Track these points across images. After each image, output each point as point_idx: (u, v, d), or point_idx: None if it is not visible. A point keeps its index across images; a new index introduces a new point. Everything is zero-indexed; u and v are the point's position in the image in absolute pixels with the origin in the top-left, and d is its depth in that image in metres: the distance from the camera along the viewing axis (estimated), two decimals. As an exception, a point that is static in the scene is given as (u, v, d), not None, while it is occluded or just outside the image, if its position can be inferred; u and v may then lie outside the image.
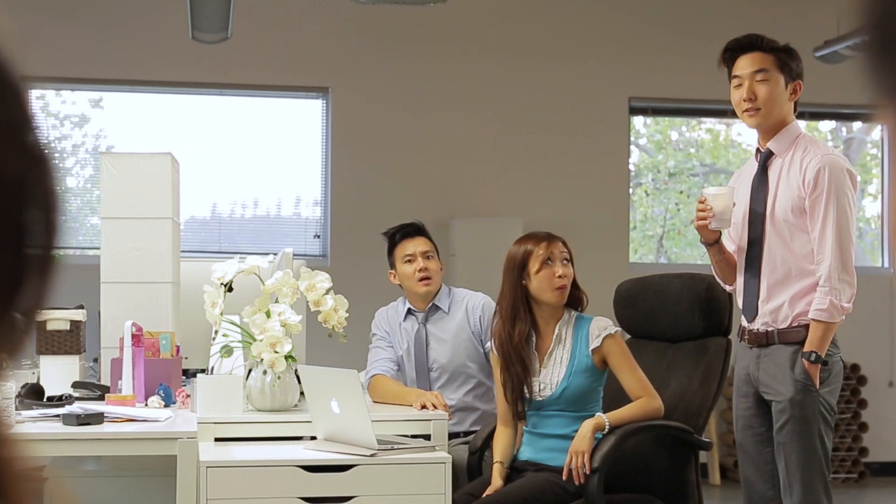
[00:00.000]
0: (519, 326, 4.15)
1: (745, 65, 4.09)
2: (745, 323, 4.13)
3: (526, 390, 4.12)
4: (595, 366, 4.08)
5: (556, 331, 4.14)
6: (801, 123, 4.23)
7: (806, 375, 3.89)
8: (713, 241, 4.17)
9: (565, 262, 4.12)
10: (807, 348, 3.89)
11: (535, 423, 4.18)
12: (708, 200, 4.06)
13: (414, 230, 4.96)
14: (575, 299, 4.19)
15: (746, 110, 4.07)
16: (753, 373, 4.06)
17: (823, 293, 3.87)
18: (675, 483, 4.24)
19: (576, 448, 3.92)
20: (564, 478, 3.93)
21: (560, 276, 4.09)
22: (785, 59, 4.08)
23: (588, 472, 3.88)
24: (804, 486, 3.92)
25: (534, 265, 4.12)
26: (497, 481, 4.09)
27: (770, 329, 4.01)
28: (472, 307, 4.86)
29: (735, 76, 4.12)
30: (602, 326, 4.09)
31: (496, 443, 4.22)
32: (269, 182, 9.01)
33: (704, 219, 4.07)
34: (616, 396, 4.13)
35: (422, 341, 4.91)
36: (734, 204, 4.07)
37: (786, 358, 3.96)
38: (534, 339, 4.18)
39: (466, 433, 4.74)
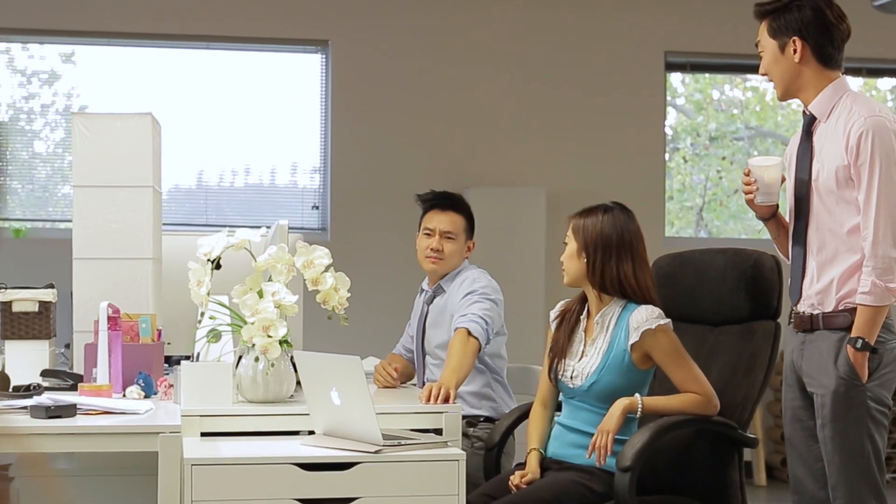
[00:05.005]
0: (569, 302, 4.27)
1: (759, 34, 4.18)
2: (792, 305, 4.11)
3: (559, 373, 4.16)
4: (633, 363, 4.06)
5: (599, 316, 4.14)
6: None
7: (850, 367, 3.86)
8: (769, 216, 4.15)
9: (565, 244, 4.18)
10: (853, 334, 3.87)
11: (567, 413, 4.19)
12: (753, 172, 4.05)
13: (447, 204, 5.04)
14: (605, 285, 4.13)
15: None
16: (797, 361, 4.05)
17: (866, 273, 3.85)
18: (715, 483, 4.23)
19: (602, 426, 3.96)
20: (588, 457, 3.97)
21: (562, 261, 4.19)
22: (773, 21, 4.08)
23: (610, 454, 3.91)
24: (849, 491, 3.90)
25: None
26: (534, 469, 4.12)
27: (815, 312, 3.99)
28: (462, 290, 4.88)
29: None
30: (641, 319, 4.05)
31: (531, 426, 4.27)
32: (261, 147, 9.00)
33: (750, 192, 4.06)
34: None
35: (421, 323, 5.05)
36: (784, 177, 4.06)
37: (830, 346, 3.94)
38: (583, 321, 4.20)
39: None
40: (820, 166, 3.98)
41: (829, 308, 3.96)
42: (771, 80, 4.14)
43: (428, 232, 4.99)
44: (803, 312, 4.03)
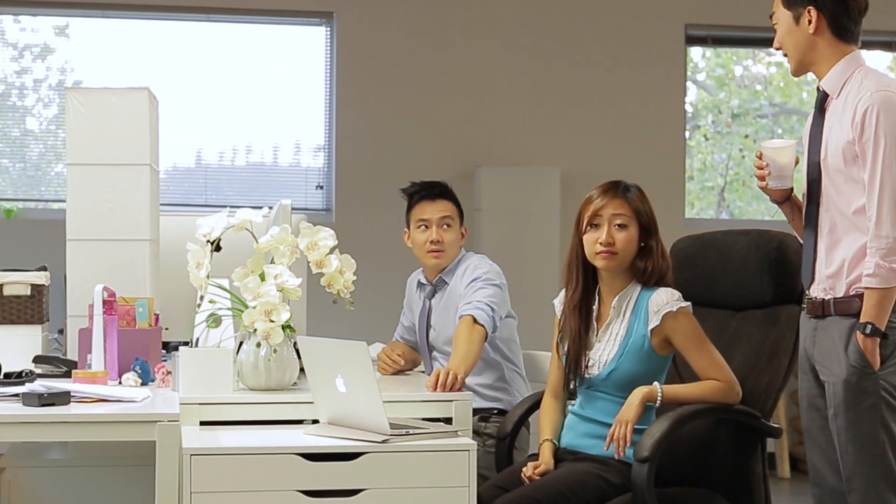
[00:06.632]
0: (570, 289, 4.21)
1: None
2: (805, 289, 4.10)
3: (579, 364, 4.14)
4: (653, 349, 4.06)
5: (615, 301, 4.12)
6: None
7: (861, 354, 3.84)
8: (783, 199, 4.14)
9: (618, 226, 4.09)
10: (862, 319, 3.85)
11: (582, 403, 4.20)
12: (766, 155, 4.04)
13: (436, 192, 5.02)
14: (638, 271, 4.13)
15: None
16: (809, 348, 4.04)
17: (871, 254, 3.83)
18: (737, 475, 4.23)
19: (620, 417, 3.95)
20: (606, 449, 3.96)
21: (601, 243, 4.08)
22: None
23: (629, 445, 3.91)
24: (865, 483, 3.89)
25: (583, 223, 4.12)
26: (548, 460, 4.11)
27: (827, 298, 3.98)
28: (465, 280, 4.86)
29: None
30: (662, 301, 4.05)
31: (543, 417, 4.27)
32: (263, 124, 8.99)
33: (762, 177, 4.05)
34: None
35: (424, 318, 5.03)
36: (798, 159, 4.05)
37: (841, 332, 3.92)
38: (595, 306, 4.18)
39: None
40: (828, 144, 3.97)
41: (840, 293, 3.94)
42: (785, 54, 4.13)
43: (423, 224, 4.97)
44: (815, 297, 4.02)
